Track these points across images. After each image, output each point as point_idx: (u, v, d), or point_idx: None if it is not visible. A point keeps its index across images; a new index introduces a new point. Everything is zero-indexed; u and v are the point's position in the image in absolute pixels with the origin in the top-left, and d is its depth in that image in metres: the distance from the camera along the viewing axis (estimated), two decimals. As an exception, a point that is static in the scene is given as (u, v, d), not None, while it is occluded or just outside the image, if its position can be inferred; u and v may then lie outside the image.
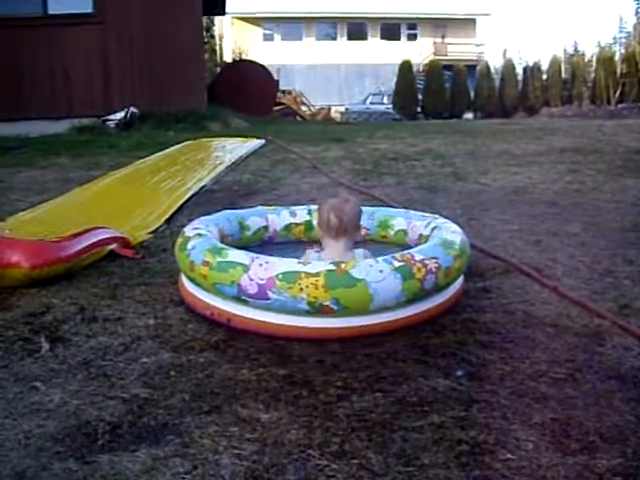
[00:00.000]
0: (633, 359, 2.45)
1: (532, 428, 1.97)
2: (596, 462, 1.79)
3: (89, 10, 12.65)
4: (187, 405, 2.11)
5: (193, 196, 5.72)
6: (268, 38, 41.52)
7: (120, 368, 2.39)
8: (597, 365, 2.41)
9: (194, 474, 1.74)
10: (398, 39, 42.29)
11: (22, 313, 2.94)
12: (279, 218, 3.72)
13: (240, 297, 2.64)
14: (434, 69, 33.54)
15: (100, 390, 2.22)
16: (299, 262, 2.64)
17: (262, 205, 4.08)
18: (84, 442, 1.90)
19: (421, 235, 3.37)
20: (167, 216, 4.92)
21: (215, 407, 2.10)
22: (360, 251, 2.97)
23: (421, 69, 36.28)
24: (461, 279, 3.12)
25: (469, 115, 32.92)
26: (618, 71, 32.02)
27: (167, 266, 3.61)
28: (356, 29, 42.18)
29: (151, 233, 4.44)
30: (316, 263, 2.64)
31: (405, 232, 3.56)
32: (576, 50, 39.33)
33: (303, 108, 28.72)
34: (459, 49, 40.64)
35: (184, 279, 3.06)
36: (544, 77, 34.56)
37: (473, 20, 43.01)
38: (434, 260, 2.72)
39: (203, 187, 6.16)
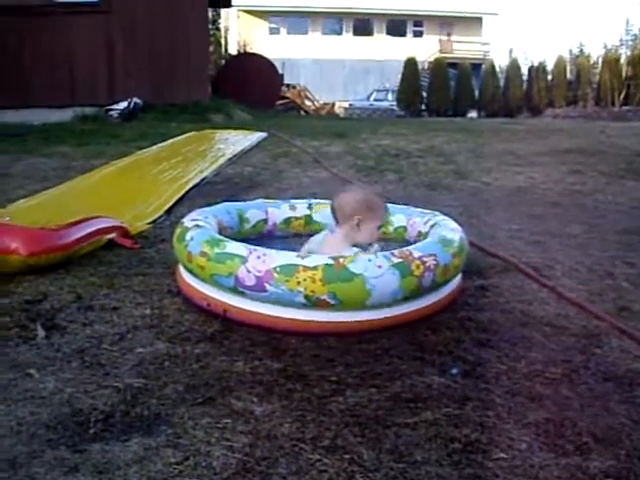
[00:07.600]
0: (630, 362, 2.45)
1: (526, 427, 1.96)
2: (589, 463, 1.78)
3: (95, -1, 12.61)
4: (181, 396, 2.11)
5: (194, 187, 5.70)
6: (274, 32, 41.43)
7: (115, 357, 2.39)
8: (594, 366, 2.40)
9: (185, 465, 1.74)
10: (404, 36, 42.21)
11: (19, 300, 2.94)
12: (279, 211, 3.71)
13: (237, 289, 2.63)
14: (439, 67, 33.35)
15: (94, 379, 2.21)
16: (297, 255, 2.63)
17: (262, 198, 4.07)
18: (76, 430, 1.89)
19: (420, 232, 3.37)
20: (167, 207, 4.91)
21: (209, 398, 2.09)
22: (376, 246, 2.94)
23: (426, 66, 36.15)
24: (459, 277, 3.11)
25: (473, 114, 32.78)
26: (623, 73, 31.92)
27: (165, 256, 3.60)
28: (362, 25, 42.13)
29: (150, 223, 4.44)
30: (315, 257, 2.63)
31: (405, 228, 3.55)
32: (581, 51, 39.12)
33: (307, 103, 28.69)
34: (465, 47, 40.55)
35: (182, 270, 3.06)
36: (549, 77, 34.41)
37: (480, 19, 42.89)
38: (432, 257, 2.71)
39: (204, 179, 6.15)
